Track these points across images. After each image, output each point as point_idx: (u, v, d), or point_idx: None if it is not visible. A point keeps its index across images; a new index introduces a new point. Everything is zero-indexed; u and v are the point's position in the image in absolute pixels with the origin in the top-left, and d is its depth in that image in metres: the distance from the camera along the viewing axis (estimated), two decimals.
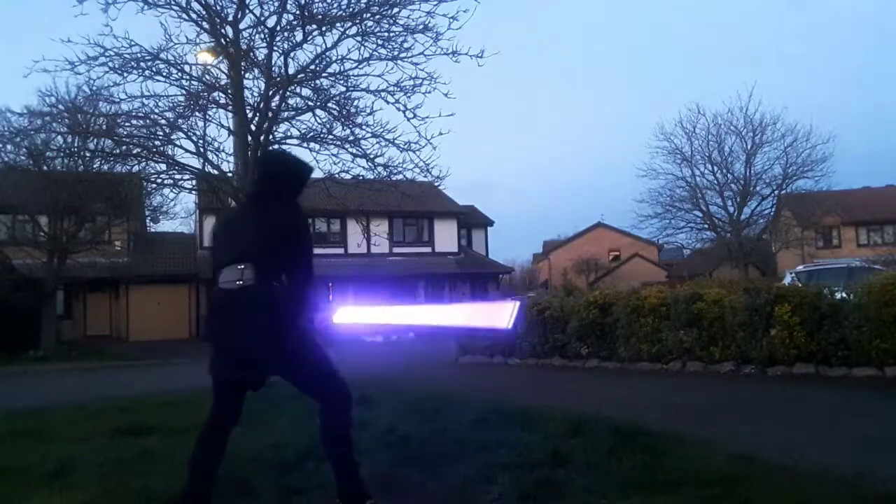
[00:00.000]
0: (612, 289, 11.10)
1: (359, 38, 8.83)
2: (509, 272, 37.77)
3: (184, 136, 9.22)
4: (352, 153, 9.51)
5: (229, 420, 3.02)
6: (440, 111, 8.98)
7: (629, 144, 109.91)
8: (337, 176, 9.93)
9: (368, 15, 8.74)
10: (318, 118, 9.44)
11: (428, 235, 30.67)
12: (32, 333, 18.52)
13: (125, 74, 8.49)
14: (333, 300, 3.44)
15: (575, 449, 4.14)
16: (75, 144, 15.49)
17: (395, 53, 8.90)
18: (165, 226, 39.60)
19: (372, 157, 9.52)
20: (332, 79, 9.17)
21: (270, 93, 8.90)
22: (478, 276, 30.67)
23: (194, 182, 10.44)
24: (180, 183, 10.35)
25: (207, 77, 9.11)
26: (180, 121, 9.07)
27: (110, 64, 8.33)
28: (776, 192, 29.09)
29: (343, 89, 9.23)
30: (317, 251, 3.19)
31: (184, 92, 9.01)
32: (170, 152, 9.39)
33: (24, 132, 13.82)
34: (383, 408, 5.81)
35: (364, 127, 9.33)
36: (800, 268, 18.61)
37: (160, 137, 9.26)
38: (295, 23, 8.78)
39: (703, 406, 6.39)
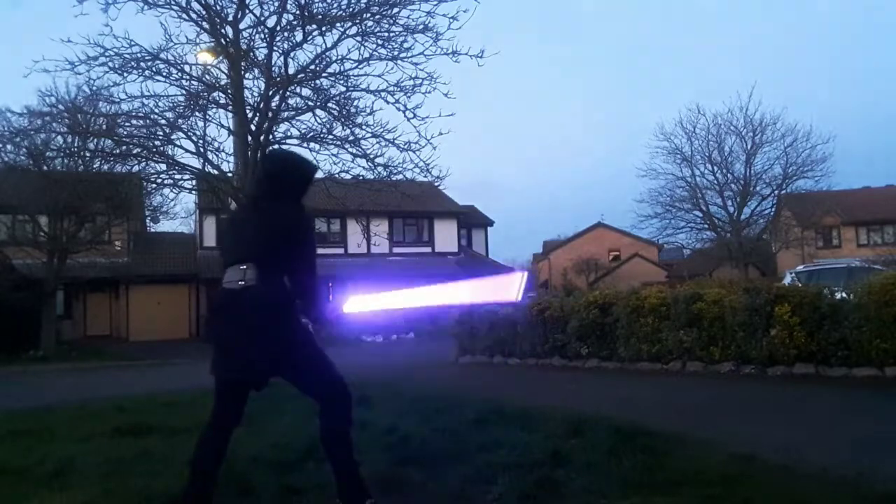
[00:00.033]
0: (612, 289, 11.07)
1: (359, 38, 8.83)
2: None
3: (184, 136, 9.23)
4: (352, 153, 9.53)
5: (231, 420, 3.02)
6: (440, 111, 8.98)
7: (629, 144, 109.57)
8: (337, 176, 9.93)
9: (368, 15, 8.74)
10: (318, 118, 9.46)
11: (428, 235, 30.68)
12: (32, 333, 18.55)
13: (125, 74, 8.49)
14: (334, 300, 3.40)
15: (575, 449, 4.14)
16: (75, 144, 15.51)
17: (395, 53, 8.90)
18: (165, 226, 39.76)
19: (372, 157, 9.52)
20: (332, 79, 9.17)
21: (270, 93, 8.89)
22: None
23: (194, 182, 10.45)
24: (180, 183, 10.37)
25: (207, 77, 9.12)
26: (180, 121, 9.08)
27: (110, 64, 8.33)
28: (776, 192, 29.16)
29: (343, 89, 9.24)
30: (317, 251, 3.19)
31: (184, 92, 9.02)
32: (170, 152, 9.41)
33: (24, 132, 13.83)
34: (383, 408, 5.81)
35: (364, 127, 9.34)
36: (800, 268, 18.59)
37: (160, 137, 9.27)
38: (295, 23, 8.78)
39: (703, 406, 6.39)
